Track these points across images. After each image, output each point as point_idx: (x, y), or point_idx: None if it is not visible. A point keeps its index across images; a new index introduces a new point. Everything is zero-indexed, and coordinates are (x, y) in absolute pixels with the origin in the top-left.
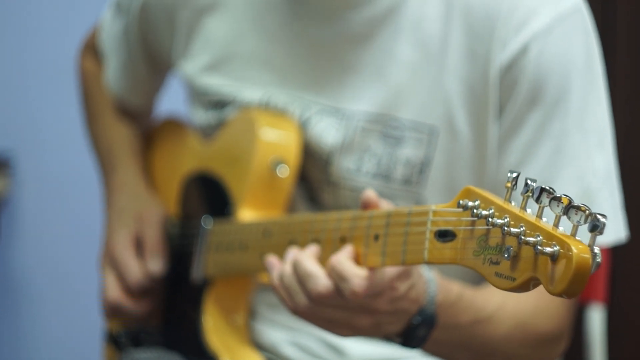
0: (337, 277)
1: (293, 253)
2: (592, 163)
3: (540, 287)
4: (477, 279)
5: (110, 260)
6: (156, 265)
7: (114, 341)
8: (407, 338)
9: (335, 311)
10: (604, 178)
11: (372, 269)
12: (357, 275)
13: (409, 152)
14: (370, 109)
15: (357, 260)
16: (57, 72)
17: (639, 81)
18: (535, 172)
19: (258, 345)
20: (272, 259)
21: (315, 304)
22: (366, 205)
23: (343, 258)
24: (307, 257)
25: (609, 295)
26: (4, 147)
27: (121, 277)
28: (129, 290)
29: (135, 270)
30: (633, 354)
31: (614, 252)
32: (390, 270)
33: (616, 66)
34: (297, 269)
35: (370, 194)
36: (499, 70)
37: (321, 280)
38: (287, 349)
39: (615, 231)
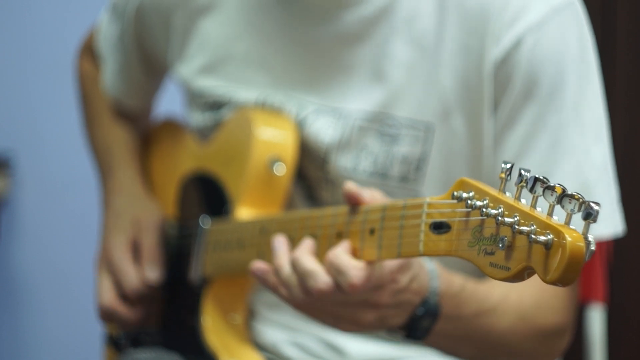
0: (335, 271)
1: (282, 245)
2: (590, 156)
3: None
4: (479, 272)
5: (107, 265)
6: (153, 273)
7: (114, 343)
8: (411, 330)
9: (339, 307)
10: (601, 171)
11: (371, 263)
12: (354, 267)
13: (406, 150)
14: (366, 107)
15: (355, 254)
16: (57, 72)
17: (639, 81)
18: (533, 166)
19: (258, 345)
20: (259, 265)
21: (316, 300)
22: (350, 198)
23: (340, 252)
24: (304, 254)
25: (609, 295)
26: (4, 147)
27: (118, 283)
28: (125, 296)
29: (132, 277)
30: (633, 354)
31: (614, 252)
32: (391, 263)
33: (616, 67)
34: (296, 267)
35: (350, 186)
36: (493, 64)
37: (321, 277)
38: (287, 349)
39: (613, 224)
